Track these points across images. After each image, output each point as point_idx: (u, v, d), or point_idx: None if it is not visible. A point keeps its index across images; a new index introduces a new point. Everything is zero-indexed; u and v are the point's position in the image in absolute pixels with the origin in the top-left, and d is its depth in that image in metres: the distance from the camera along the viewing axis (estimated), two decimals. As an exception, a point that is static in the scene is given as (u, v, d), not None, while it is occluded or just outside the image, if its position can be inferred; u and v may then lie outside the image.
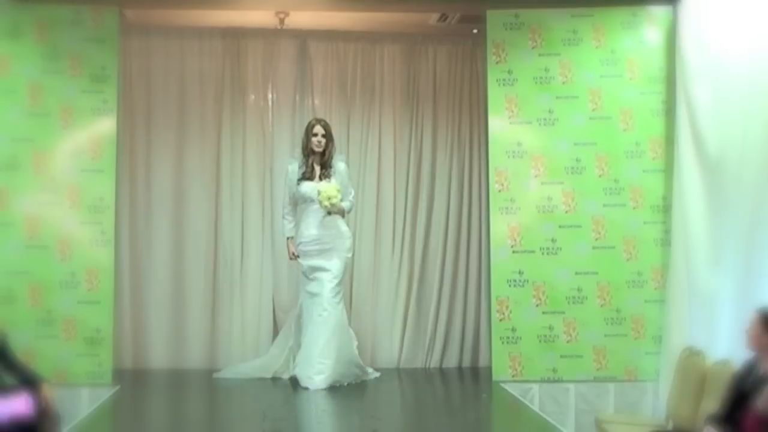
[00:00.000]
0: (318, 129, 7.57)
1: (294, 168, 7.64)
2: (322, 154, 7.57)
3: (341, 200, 7.50)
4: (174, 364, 8.31)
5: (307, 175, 7.56)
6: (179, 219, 8.49)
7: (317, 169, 7.58)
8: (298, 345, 7.58)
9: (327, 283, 7.41)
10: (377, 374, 7.85)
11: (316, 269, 7.47)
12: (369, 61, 8.76)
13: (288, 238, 7.71)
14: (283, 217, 7.75)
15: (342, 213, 7.61)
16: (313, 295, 7.45)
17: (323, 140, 7.56)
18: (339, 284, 7.49)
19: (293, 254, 7.65)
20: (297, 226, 7.67)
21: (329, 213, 7.49)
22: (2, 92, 7.36)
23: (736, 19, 6.84)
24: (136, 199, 8.43)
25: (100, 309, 7.41)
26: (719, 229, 6.84)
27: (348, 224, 7.77)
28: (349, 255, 7.66)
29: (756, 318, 5.01)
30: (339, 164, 7.63)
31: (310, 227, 7.53)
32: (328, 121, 7.84)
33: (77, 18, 7.50)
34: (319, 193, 7.39)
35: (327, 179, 7.53)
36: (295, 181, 7.59)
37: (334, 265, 7.46)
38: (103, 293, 7.44)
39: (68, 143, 7.46)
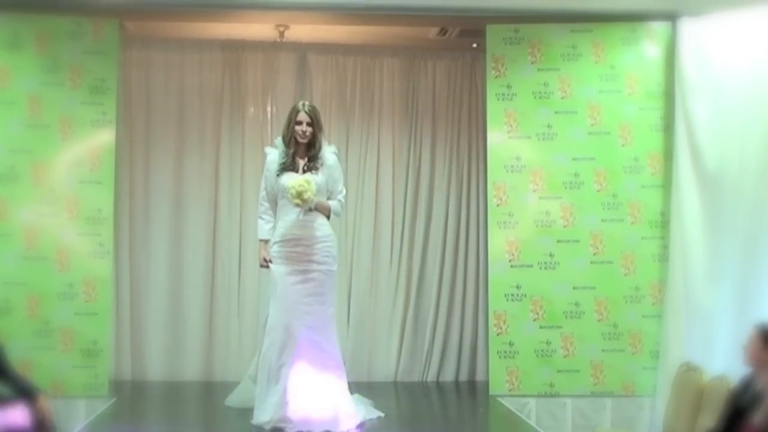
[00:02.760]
0: (302, 116, 6.35)
1: (273, 158, 6.44)
2: (309, 145, 6.39)
3: (328, 198, 6.39)
4: (171, 376, 8.30)
5: (288, 166, 6.35)
6: (178, 231, 8.48)
7: (300, 161, 6.37)
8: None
9: (323, 324, 6.30)
10: (381, 414, 6.78)
11: (294, 275, 6.27)
12: (368, 75, 8.77)
13: (261, 241, 6.51)
14: (260, 216, 6.51)
15: (327, 213, 6.38)
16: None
17: (308, 129, 6.33)
18: (333, 320, 6.41)
19: (264, 260, 6.41)
20: (274, 227, 6.45)
21: (310, 209, 6.24)
22: (1, 103, 7.33)
23: (735, 36, 6.89)
24: (134, 211, 8.43)
25: (97, 320, 7.40)
26: (717, 245, 6.86)
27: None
28: (334, 267, 6.40)
29: (754, 333, 5.00)
30: (329, 156, 6.42)
31: (287, 226, 6.29)
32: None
33: (77, 30, 7.48)
34: (286, 189, 6.16)
35: (314, 172, 6.32)
36: (274, 172, 6.38)
37: (327, 291, 6.33)
38: (101, 305, 7.42)
39: (67, 155, 7.44)
